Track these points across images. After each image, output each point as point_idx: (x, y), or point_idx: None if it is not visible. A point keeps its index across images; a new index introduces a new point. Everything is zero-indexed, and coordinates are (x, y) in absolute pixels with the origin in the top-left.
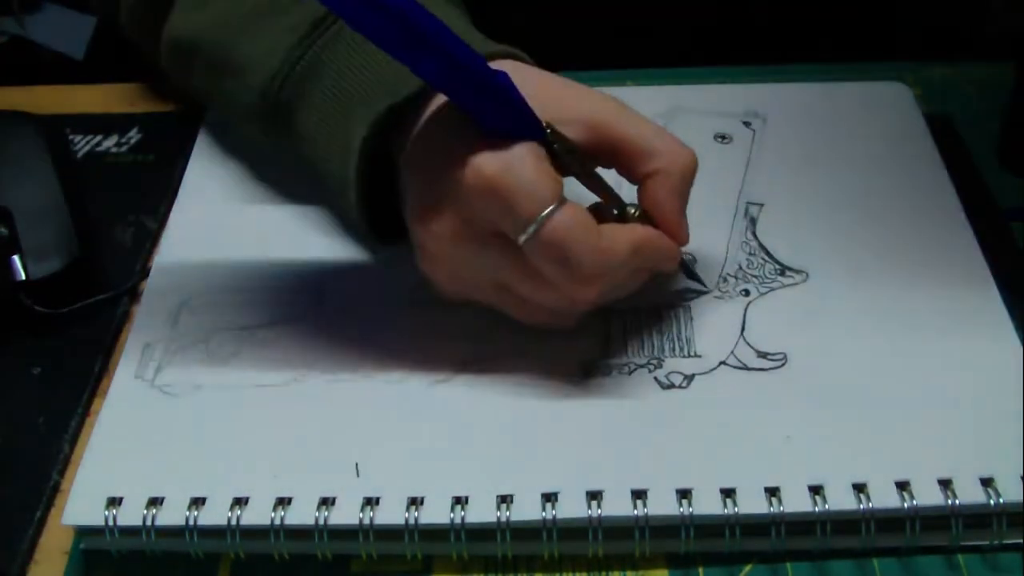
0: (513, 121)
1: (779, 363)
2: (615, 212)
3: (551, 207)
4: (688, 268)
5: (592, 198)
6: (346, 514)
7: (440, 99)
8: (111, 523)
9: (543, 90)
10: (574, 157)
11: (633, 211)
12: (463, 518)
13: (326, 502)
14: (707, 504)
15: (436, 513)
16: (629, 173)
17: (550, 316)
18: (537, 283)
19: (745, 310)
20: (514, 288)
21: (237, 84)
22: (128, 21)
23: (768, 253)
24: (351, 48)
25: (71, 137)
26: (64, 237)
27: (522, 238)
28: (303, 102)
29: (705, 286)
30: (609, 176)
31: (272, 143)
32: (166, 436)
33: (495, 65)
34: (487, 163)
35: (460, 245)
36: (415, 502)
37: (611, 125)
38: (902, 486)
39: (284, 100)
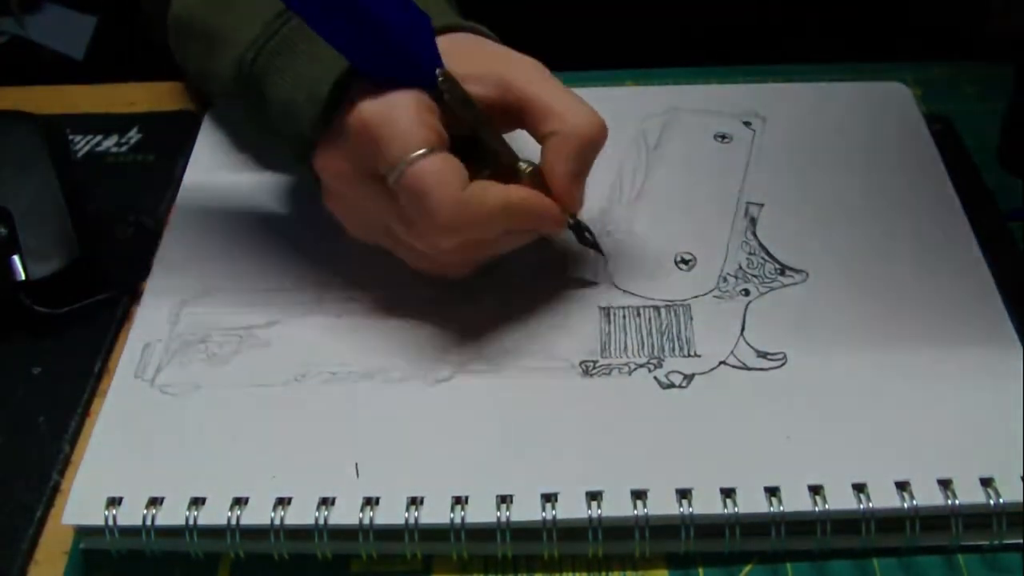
0: (406, 68)
1: (779, 363)
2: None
3: (419, 152)
4: (581, 233)
5: None
6: (346, 514)
7: None
8: (111, 523)
9: (469, 51)
10: (468, 109)
11: (525, 167)
12: (463, 518)
13: (326, 502)
14: (707, 504)
15: (436, 513)
16: (533, 133)
17: (434, 264)
18: (408, 227)
19: (745, 310)
20: (396, 231)
21: (218, 57)
22: (146, 7)
23: (768, 253)
24: None
25: (71, 137)
26: (64, 237)
27: (390, 179)
28: (275, 75)
29: (602, 253)
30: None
31: (254, 125)
32: (166, 436)
33: (450, 38)
34: (367, 106)
35: (349, 184)
36: (415, 502)
37: (520, 84)
38: (902, 486)
39: (257, 72)
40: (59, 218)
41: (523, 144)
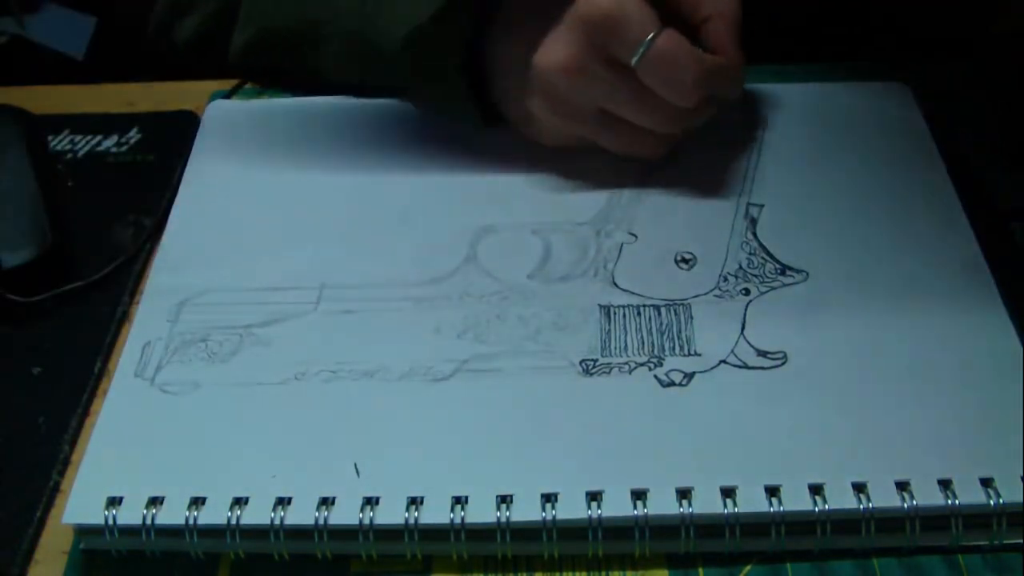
0: None
1: (779, 362)
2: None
3: (655, 31)
4: (743, 95)
5: None
6: (346, 514)
7: None
8: (111, 523)
9: None
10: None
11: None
12: (463, 518)
13: (326, 502)
14: (707, 504)
15: (436, 513)
16: (687, 20)
17: (645, 144)
18: (642, 103)
19: (745, 309)
20: (619, 111)
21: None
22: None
23: (768, 253)
24: None
25: (71, 137)
26: (36, 227)
27: (634, 59)
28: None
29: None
30: None
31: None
32: (166, 436)
33: None
34: None
35: (580, 73)
36: (415, 502)
37: None
38: (902, 486)
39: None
40: (33, 208)
41: None
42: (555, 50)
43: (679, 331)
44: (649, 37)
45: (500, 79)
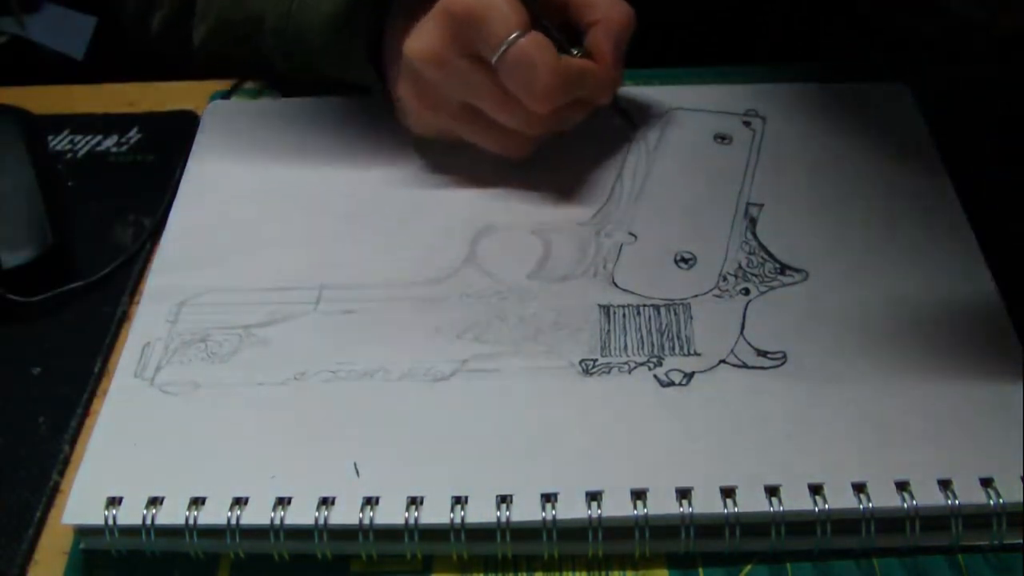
0: None
1: (779, 362)
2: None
3: (518, 32)
4: (619, 105)
5: None
6: (346, 514)
7: None
8: (111, 523)
9: None
10: (535, 2)
11: (576, 52)
12: (463, 518)
13: (326, 502)
14: (707, 504)
15: (436, 513)
16: (577, 22)
17: (508, 142)
18: (502, 102)
19: (745, 309)
20: (482, 107)
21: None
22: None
23: (768, 252)
24: None
25: (71, 137)
26: (37, 226)
27: (494, 57)
28: None
29: (634, 124)
30: None
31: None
32: (166, 436)
33: None
34: None
35: (440, 64)
36: (415, 502)
37: None
38: (902, 486)
39: None
40: (33, 208)
41: None
42: (419, 38)
43: (679, 331)
44: (511, 37)
45: (390, 66)
